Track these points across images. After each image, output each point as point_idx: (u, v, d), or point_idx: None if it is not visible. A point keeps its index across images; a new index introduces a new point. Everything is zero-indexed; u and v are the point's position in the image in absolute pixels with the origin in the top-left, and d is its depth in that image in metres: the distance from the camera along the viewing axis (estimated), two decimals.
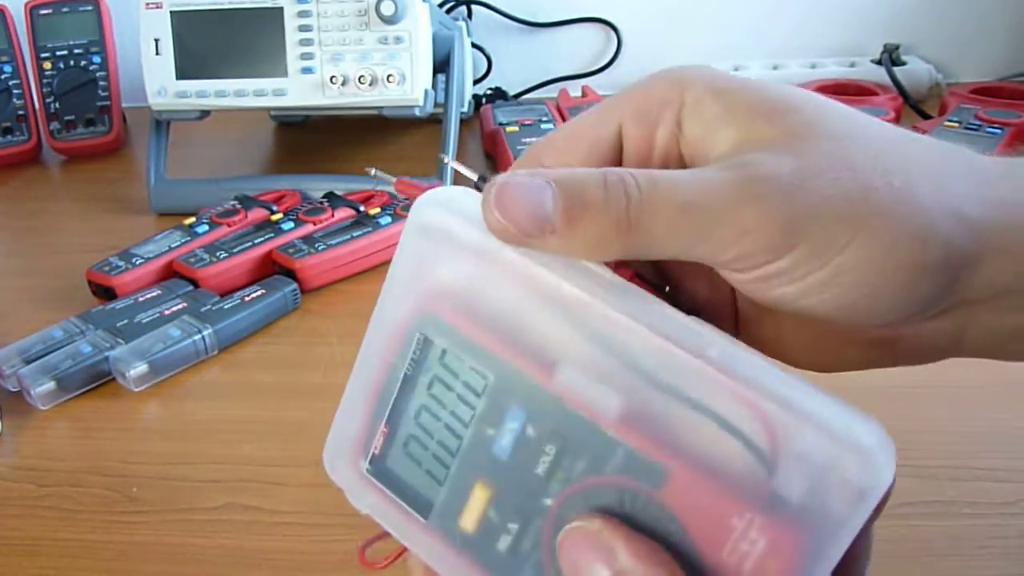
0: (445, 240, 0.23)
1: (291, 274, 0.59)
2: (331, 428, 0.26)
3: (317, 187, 0.72)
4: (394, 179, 0.30)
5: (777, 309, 0.23)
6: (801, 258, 0.21)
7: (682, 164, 0.25)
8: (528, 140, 0.77)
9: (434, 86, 0.73)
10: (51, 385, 0.49)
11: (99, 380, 0.51)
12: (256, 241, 0.62)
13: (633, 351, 0.21)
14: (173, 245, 0.63)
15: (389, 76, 0.69)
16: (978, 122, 0.76)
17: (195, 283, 0.59)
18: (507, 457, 0.22)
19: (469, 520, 0.23)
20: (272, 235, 0.63)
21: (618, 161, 0.26)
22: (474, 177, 0.29)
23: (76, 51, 0.89)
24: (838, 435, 0.19)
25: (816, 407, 0.19)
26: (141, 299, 0.57)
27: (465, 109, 0.89)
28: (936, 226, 0.21)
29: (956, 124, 0.76)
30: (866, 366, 0.26)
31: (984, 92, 0.83)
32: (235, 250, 0.61)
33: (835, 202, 0.21)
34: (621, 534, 0.21)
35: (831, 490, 0.19)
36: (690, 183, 0.21)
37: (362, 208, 0.67)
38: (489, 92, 0.97)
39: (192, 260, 0.60)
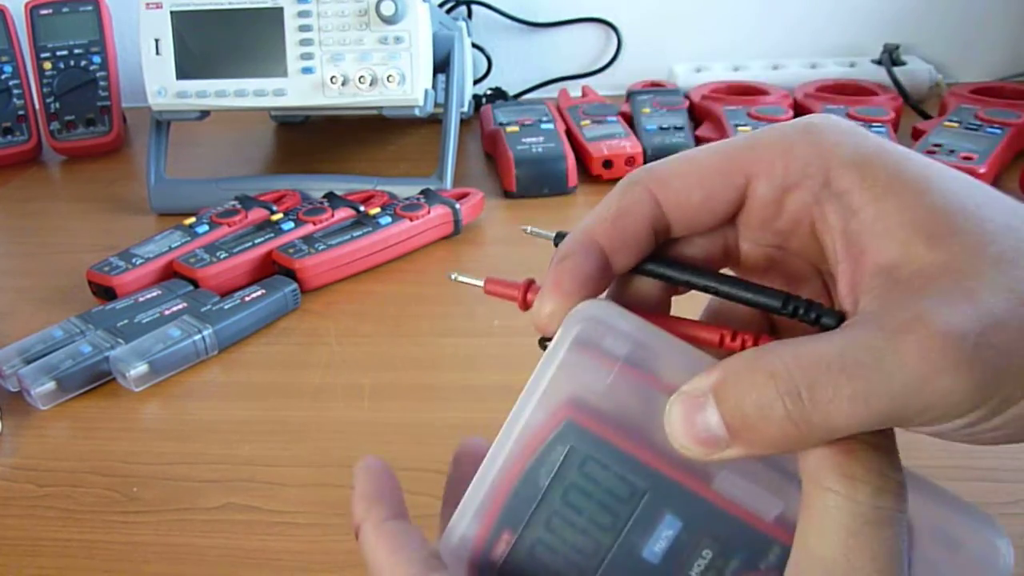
0: (597, 355, 0.23)
1: (291, 274, 0.59)
2: (450, 527, 0.25)
3: (317, 187, 0.72)
4: (483, 281, 0.28)
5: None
6: (986, 413, 0.20)
7: (814, 241, 0.24)
8: (528, 140, 0.77)
9: (434, 86, 0.73)
10: (51, 385, 0.49)
11: (99, 380, 0.51)
12: (256, 241, 0.62)
13: (787, 465, 0.22)
14: (173, 245, 0.63)
15: (389, 76, 0.69)
16: (978, 122, 0.76)
17: (195, 283, 0.59)
18: (659, 561, 0.23)
19: None
20: (272, 235, 0.63)
21: (735, 214, 0.25)
22: (551, 236, 0.28)
23: (76, 51, 0.89)
24: (967, 529, 0.22)
25: (946, 502, 0.23)
26: (141, 299, 0.57)
27: (465, 109, 0.89)
28: None
29: (956, 124, 0.76)
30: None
31: (984, 92, 0.83)
32: (235, 250, 0.61)
33: (1015, 358, 0.20)
34: None
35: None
36: (864, 353, 0.20)
37: (362, 208, 0.67)
38: (489, 92, 0.97)
39: (192, 260, 0.60)
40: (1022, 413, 0.21)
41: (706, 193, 0.24)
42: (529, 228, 0.29)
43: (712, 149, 0.24)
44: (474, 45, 0.95)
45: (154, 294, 0.57)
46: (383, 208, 0.65)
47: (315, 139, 0.92)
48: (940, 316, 0.20)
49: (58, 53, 0.88)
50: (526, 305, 0.26)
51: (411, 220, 0.64)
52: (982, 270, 0.20)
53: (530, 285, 0.26)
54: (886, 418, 0.20)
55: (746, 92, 0.88)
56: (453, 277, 0.28)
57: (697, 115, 0.86)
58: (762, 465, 0.23)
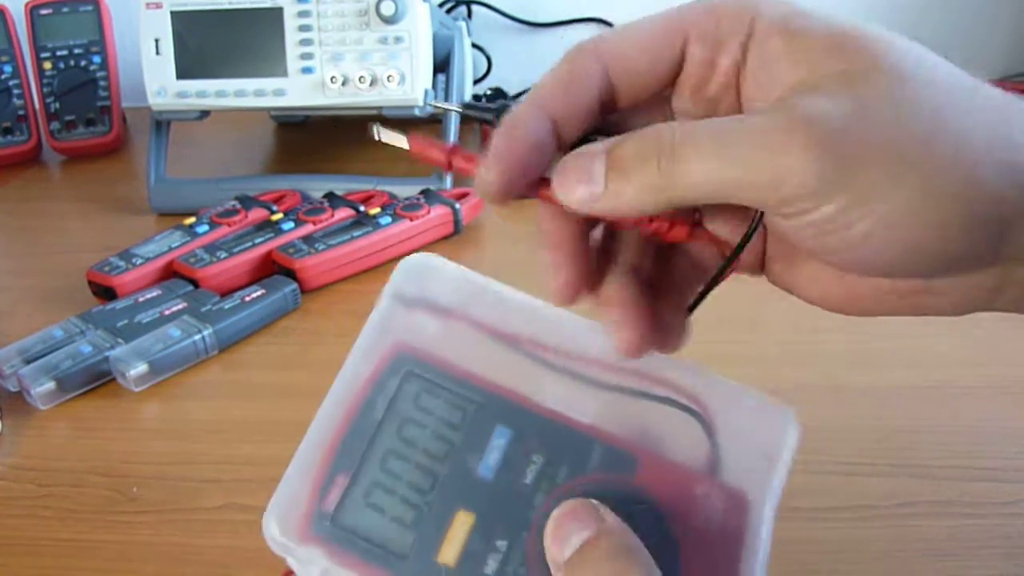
0: (421, 303, 0.26)
1: (291, 274, 0.59)
2: (277, 490, 0.25)
3: (317, 187, 0.72)
4: (406, 138, 0.26)
5: (822, 258, 0.24)
6: (846, 205, 0.21)
7: (738, 99, 0.25)
8: None
9: (434, 86, 0.73)
10: (51, 385, 0.49)
11: (99, 380, 0.51)
12: (256, 241, 0.62)
13: (595, 375, 0.26)
14: (173, 245, 0.63)
15: (389, 76, 0.69)
16: None
17: (195, 283, 0.59)
18: (493, 476, 0.24)
19: (450, 553, 0.23)
20: (272, 235, 0.63)
21: (675, 79, 0.25)
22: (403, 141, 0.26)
23: (76, 51, 0.89)
24: (756, 408, 0.25)
25: (737, 392, 0.26)
26: (141, 299, 0.57)
27: None
28: (987, 179, 0.21)
29: None
30: (893, 314, 0.26)
31: None
32: (235, 250, 0.61)
33: (883, 149, 0.20)
34: (602, 506, 0.23)
35: (759, 449, 0.25)
36: (731, 123, 0.21)
37: (362, 208, 0.67)
38: (489, 92, 0.97)
39: (192, 260, 0.60)
40: (895, 218, 0.21)
41: (651, 57, 0.25)
42: (377, 131, 0.27)
43: (651, 17, 0.26)
44: (474, 45, 0.95)
45: (154, 294, 0.57)
46: (383, 208, 0.65)
47: (315, 139, 0.92)
48: (811, 103, 0.21)
49: (58, 53, 0.88)
50: (450, 167, 0.26)
51: (411, 220, 0.64)
52: (875, 73, 0.21)
53: (455, 150, 0.26)
54: (739, 183, 0.21)
55: None
56: (376, 135, 0.27)
57: None
58: (569, 377, 0.26)
